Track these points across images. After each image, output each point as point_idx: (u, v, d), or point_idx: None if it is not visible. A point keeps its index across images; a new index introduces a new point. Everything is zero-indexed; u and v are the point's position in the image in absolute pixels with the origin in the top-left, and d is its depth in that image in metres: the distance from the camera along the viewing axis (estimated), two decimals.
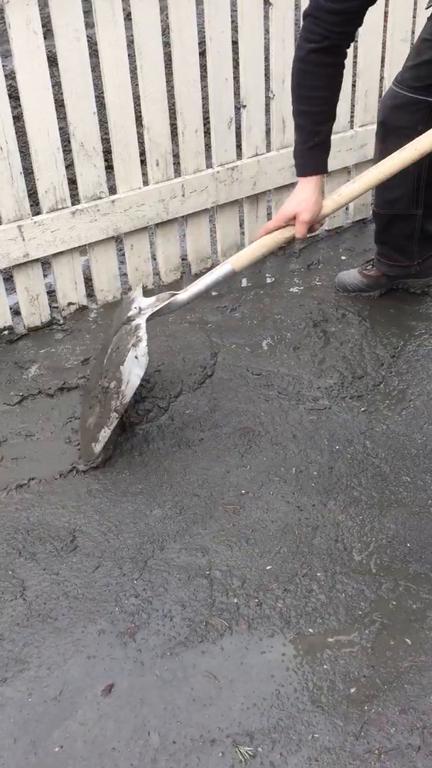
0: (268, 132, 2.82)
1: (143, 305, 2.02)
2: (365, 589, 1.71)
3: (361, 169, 3.10)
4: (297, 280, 2.84)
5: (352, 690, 1.52)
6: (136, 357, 1.88)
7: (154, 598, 1.70)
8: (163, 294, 2.04)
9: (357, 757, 1.41)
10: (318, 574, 1.74)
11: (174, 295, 2.00)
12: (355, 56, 2.90)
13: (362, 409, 2.22)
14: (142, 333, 1.91)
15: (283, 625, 1.64)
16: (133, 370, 1.88)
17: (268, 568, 1.76)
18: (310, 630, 1.63)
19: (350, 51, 2.86)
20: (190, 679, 1.54)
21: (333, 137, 2.92)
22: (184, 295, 1.98)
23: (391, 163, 1.97)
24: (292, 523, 1.88)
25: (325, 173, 2.07)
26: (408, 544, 1.81)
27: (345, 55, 2.00)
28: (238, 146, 2.77)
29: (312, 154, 2.03)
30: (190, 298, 1.99)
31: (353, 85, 2.95)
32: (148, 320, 1.96)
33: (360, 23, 1.96)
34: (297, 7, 2.68)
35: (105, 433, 1.93)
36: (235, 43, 2.58)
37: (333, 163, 2.95)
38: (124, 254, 2.74)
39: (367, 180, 1.99)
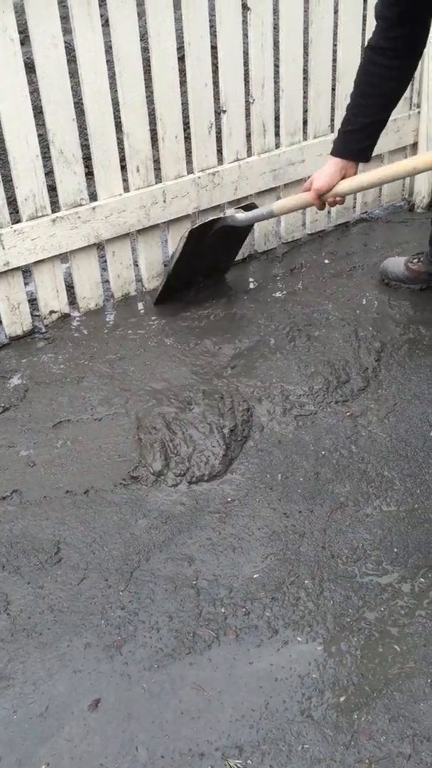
0: (248, 136, 2.81)
1: (227, 213, 2.61)
2: (353, 595, 1.70)
3: None
4: (280, 284, 2.84)
5: (342, 699, 1.51)
6: (182, 236, 2.54)
7: (140, 610, 1.68)
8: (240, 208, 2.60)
9: (348, 767, 1.40)
10: (305, 582, 1.73)
11: (238, 211, 2.56)
12: (334, 60, 2.90)
13: (347, 413, 2.21)
14: (197, 223, 2.59)
15: (271, 634, 1.62)
16: (180, 244, 2.56)
17: (255, 576, 1.75)
18: (299, 639, 1.62)
19: (329, 55, 2.88)
20: (178, 691, 1.53)
21: (313, 141, 2.96)
22: (241, 215, 2.54)
23: (405, 165, 2.16)
24: (279, 530, 1.86)
25: (351, 161, 2.20)
26: (395, 549, 1.80)
27: (405, 61, 2.07)
28: (219, 151, 2.76)
29: (341, 139, 2.19)
30: (244, 220, 2.55)
31: (333, 89, 2.95)
32: (211, 220, 2.56)
33: (413, 31, 2.01)
34: (275, 11, 2.68)
35: (160, 283, 2.72)
36: (214, 47, 2.57)
37: (315, 166, 2.96)
38: (106, 261, 2.72)
39: (381, 174, 2.20)
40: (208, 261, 2.72)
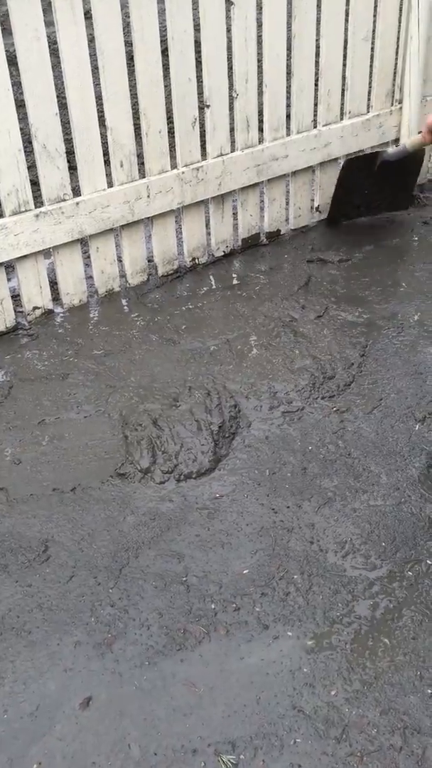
0: (232, 131, 2.80)
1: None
2: (342, 589, 1.71)
3: (326, 168, 3.12)
4: (263, 279, 2.84)
5: (333, 693, 1.51)
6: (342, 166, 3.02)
7: (130, 607, 1.67)
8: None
9: (340, 760, 1.40)
10: (294, 577, 1.74)
11: (390, 146, 3.09)
12: (317, 55, 2.90)
13: (334, 409, 2.22)
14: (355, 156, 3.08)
15: (261, 629, 1.63)
16: (339, 174, 3.01)
17: (244, 572, 1.75)
18: (289, 633, 1.62)
19: (312, 50, 2.88)
20: (169, 688, 1.53)
21: (296, 136, 2.96)
22: (391, 150, 2.97)
23: None
24: (267, 525, 1.87)
25: None
26: (383, 543, 1.82)
27: None
28: (203, 146, 2.75)
29: None
30: (393, 154, 2.93)
31: (316, 84, 2.95)
32: (371, 153, 3.02)
33: None
34: (259, 6, 2.67)
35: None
36: (198, 42, 2.56)
37: (298, 162, 2.97)
38: (89, 257, 2.70)
39: None
40: (375, 195, 3.10)
